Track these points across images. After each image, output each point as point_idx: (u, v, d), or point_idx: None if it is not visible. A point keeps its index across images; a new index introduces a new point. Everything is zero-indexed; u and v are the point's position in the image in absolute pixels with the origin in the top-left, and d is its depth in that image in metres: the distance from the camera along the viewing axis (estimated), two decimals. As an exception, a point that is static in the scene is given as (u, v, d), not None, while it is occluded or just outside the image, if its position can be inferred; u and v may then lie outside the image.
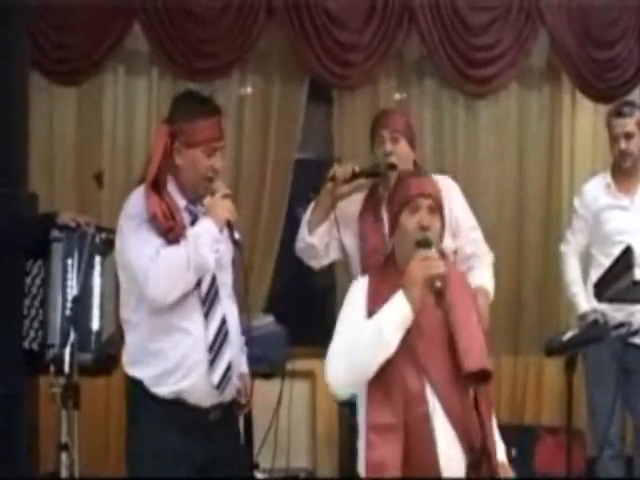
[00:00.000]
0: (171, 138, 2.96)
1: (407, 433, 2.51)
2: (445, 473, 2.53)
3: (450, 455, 2.53)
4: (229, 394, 3.02)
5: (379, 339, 2.50)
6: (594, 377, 4.31)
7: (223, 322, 2.97)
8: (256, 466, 4.42)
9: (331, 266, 4.80)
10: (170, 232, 2.88)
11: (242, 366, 3.12)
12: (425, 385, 2.55)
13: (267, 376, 4.18)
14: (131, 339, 3.00)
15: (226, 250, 3.04)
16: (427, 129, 5.32)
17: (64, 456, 3.57)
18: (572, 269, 4.45)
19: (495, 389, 5.20)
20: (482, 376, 2.57)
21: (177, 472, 2.90)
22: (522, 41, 5.32)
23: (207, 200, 3.00)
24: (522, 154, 5.50)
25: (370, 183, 3.71)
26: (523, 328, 5.44)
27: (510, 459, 2.77)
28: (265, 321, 4.59)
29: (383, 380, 2.53)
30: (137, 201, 2.93)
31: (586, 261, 4.49)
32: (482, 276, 3.63)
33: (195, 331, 2.93)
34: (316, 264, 3.78)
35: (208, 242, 2.89)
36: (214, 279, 2.98)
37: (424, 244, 2.59)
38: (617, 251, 3.93)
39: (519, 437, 4.96)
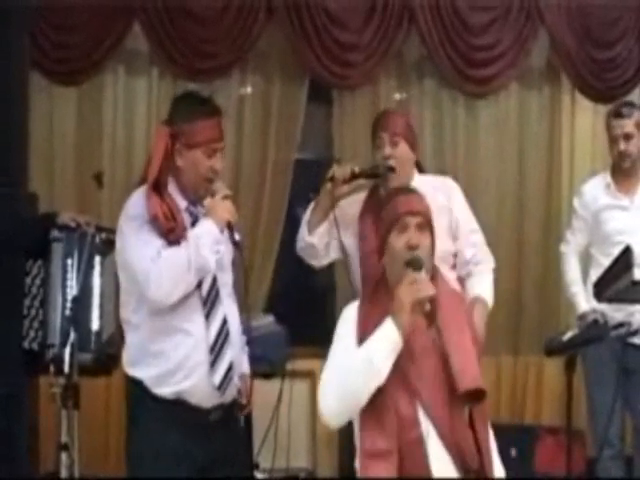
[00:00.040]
0: (171, 139, 2.96)
1: (401, 457, 2.50)
2: None
3: (445, 477, 2.51)
4: (230, 395, 3.02)
5: (369, 368, 2.49)
6: (594, 377, 4.30)
7: (224, 323, 2.97)
8: (256, 466, 4.42)
9: (331, 266, 4.80)
10: (171, 233, 2.88)
11: (243, 366, 3.11)
12: (417, 409, 2.53)
13: (267, 376, 4.18)
14: (131, 339, 3.00)
15: (226, 251, 3.05)
16: (427, 129, 5.32)
17: (64, 456, 3.56)
18: (572, 269, 4.45)
19: (495, 389, 5.21)
20: (476, 395, 2.55)
21: (177, 472, 2.90)
22: (522, 41, 5.32)
23: (207, 201, 3.00)
24: (522, 154, 5.50)
25: (370, 183, 3.70)
26: (523, 328, 5.44)
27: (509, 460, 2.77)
28: (265, 321, 4.59)
29: (375, 406, 2.52)
30: (138, 202, 2.93)
31: (586, 261, 4.49)
32: (481, 284, 3.62)
33: (196, 332, 2.93)
34: (316, 263, 3.78)
35: (209, 243, 2.89)
36: (215, 280, 2.98)
37: (414, 264, 2.56)
38: (617, 251, 3.92)
39: (519, 437, 4.96)
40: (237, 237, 2.99)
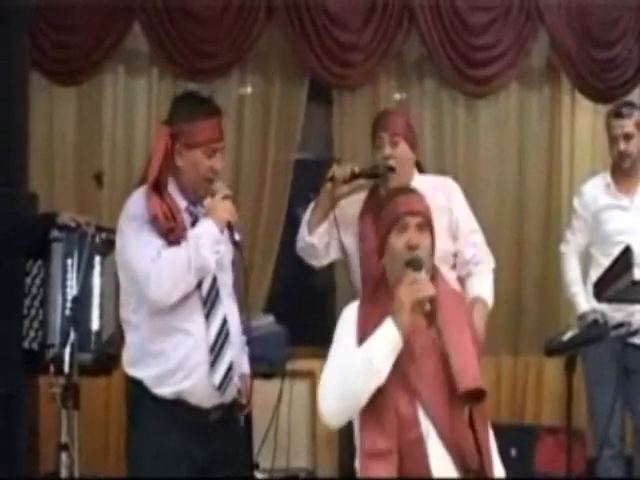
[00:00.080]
0: (172, 139, 2.96)
1: (401, 457, 2.50)
2: None
3: (445, 477, 2.51)
4: (230, 395, 3.02)
5: (369, 368, 2.49)
6: (594, 377, 4.30)
7: (224, 323, 2.97)
8: (256, 466, 4.42)
9: (331, 266, 4.80)
10: (171, 233, 2.88)
11: (243, 366, 3.11)
12: (417, 409, 2.53)
13: (267, 376, 4.18)
14: (131, 339, 3.00)
15: (226, 251, 3.05)
16: (427, 129, 5.32)
17: (64, 456, 3.56)
18: (572, 269, 4.45)
19: (495, 389, 5.21)
20: (476, 395, 2.55)
21: (177, 472, 2.90)
22: (522, 41, 5.32)
23: (207, 201, 3.00)
24: (522, 154, 5.50)
25: (370, 184, 3.70)
26: (523, 328, 5.44)
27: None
28: (265, 321, 4.59)
29: (375, 406, 2.52)
30: (138, 202, 2.93)
31: (586, 261, 4.49)
32: (481, 284, 3.62)
33: (196, 332, 2.93)
34: (316, 263, 3.77)
35: (209, 243, 2.89)
36: (215, 280, 2.98)
37: (414, 264, 2.56)
38: (617, 251, 3.92)
39: (519, 437, 4.96)
40: (237, 237, 2.99)
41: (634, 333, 4.12)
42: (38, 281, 3.72)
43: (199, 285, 2.94)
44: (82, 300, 3.64)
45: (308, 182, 5.00)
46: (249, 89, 5.23)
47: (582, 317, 4.25)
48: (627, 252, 3.78)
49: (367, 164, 3.70)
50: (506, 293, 5.11)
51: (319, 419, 2.62)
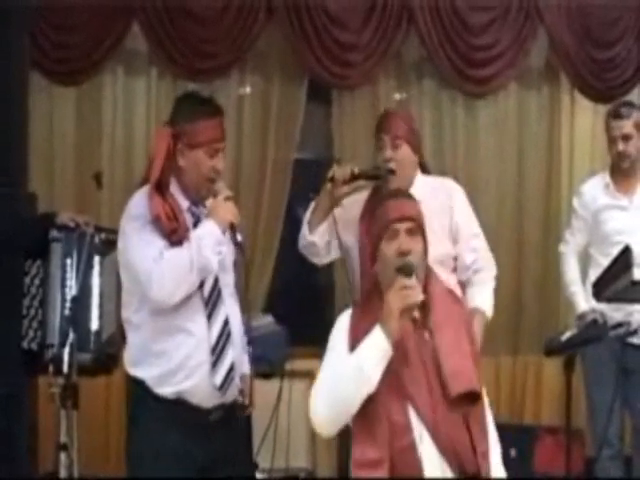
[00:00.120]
0: (173, 139, 2.96)
1: (393, 464, 2.49)
2: None
3: (440, 477, 2.49)
4: (231, 395, 3.02)
5: (360, 376, 2.48)
6: (593, 377, 4.30)
7: (226, 323, 2.97)
8: (255, 466, 4.42)
9: (331, 266, 4.81)
10: (173, 234, 2.88)
11: (244, 367, 3.11)
12: (410, 414, 2.51)
13: (267, 376, 4.18)
14: (133, 339, 3.00)
15: (228, 252, 3.05)
16: (427, 129, 5.32)
17: (63, 456, 3.56)
18: (571, 269, 4.45)
19: (494, 389, 5.21)
20: (471, 399, 2.54)
21: (177, 472, 2.90)
22: (521, 41, 5.32)
23: (210, 202, 3.01)
24: (521, 154, 5.50)
25: (372, 184, 3.69)
26: (523, 328, 5.45)
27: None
28: (265, 321, 4.59)
29: (367, 415, 2.51)
30: (140, 202, 2.93)
31: (585, 261, 4.49)
32: (481, 295, 3.61)
33: (198, 332, 2.93)
34: (318, 261, 3.77)
35: (211, 244, 2.89)
36: (217, 281, 2.99)
37: (405, 270, 2.55)
38: (616, 251, 3.92)
39: (518, 437, 4.96)
40: (239, 238, 2.99)
41: (633, 333, 4.12)
42: (37, 281, 3.72)
43: (201, 285, 2.94)
44: (81, 300, 3.64)
45: (308, 182, 5.01)
46: (248, 89, 5.24)
47: (581, 317, 4.24)
48: (626, 252, 3.78)
49: (367, 164, 3.70)
50: (505, 293, 5.11)
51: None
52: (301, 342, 4.80)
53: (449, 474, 2.51)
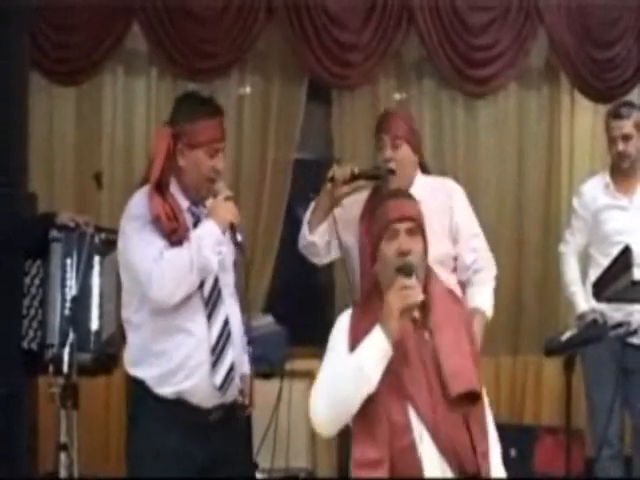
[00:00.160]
0: (173, 139, 2.96)
1: (393, 464, 2.48)
2: None
3: (440, 477, 2.48)
4: (231, 395, 3.02)
5: (360, 376, 2.48)
6: (593, 377, 4.30)
7: (226, 323, 2.97)
8: (255, 466, 4.42)
9: (330, 266, 4.80)
10: (173, 234, 2.88)
11: (244, 367, 3.11)
12: (410, 414, 2.51)
13: (266, 376, 4.18)
14: (133, 339, 3.01)
15: (228, 252, 3.05)
16: (426, 129, 5.32)
17: (63, 456, 3.56)
18: (571, 269, 4.45)
19: (494, 389, 5.21)
20: (470, 399, 2.54)
21: (177, 472, 2.90)
22: (521, 41, 5.32)
23: (210, 202, 3.01)
24: (521, 154, 5.50)
25: (372, 184, 3.69)
26: (523, 328, 5.45)
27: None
28: (265, 321, 4.59)
29: (367, 415, 2.50)
30: (140, 202, 2.93)
31: (585, 261, 4.49)
32: (481, 295, 3.61)
33: (198, 332, 2.93)
34: (318, 261, 3.77)
35: (211, 244, 2.89)
36: (216, 281, 2.99)
37: (405, 270, 2.54)
38: (616, 251, 3.93)
39: (518, 437, 4.96)
40: (239, 238, 2.99)
41: (633, 333, 4.12)
42: (37, 281, 3.72)
43: (201, 286, 2.94)
44: (81, 300, 3.64)
45: (308, 182, 5.01)
46: (248, 89, 5.24)
47: (581, 317, 4.25)
48: (626, 252, 3.78)
49: (367, 164, 3.70)
50: (505, 293, 5.11)
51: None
52: (301, 342, 4.80)
53: (449, 474, 2.50)
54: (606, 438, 4.15)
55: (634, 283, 3.73)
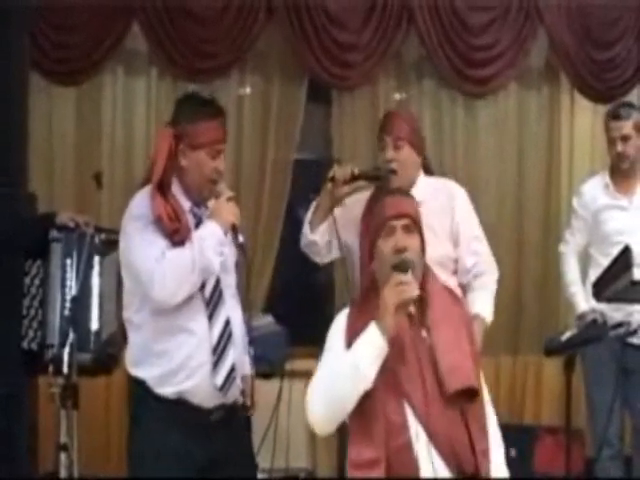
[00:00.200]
0: (175, 140, 2.97)
1: (389, 464, 2.47)
2: None
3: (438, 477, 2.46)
4: (232, 395, 3.02)
5: (356, 373, 2.47)
6: (593, 377, 4.30)
7: (227, 324, 2.98)
8: (255, 466, 4.42)
9: (330, 266, 4.80)
10: (175, 234, 2.89)
11: (245, 368, 3.11)
12: (406, 413, 2.50)
13: (266, 376, 4.17)
14: (134, 339, 3.01)
15: (230, 253, 3.05)
16: (426, 129, 5.29)
17: (63, 456, 3.56)
18: (571, 269, 4.45)
19: (494, 389, 5.21)
20: (468, 396, 2.53)
21: (178, 472, 2.91)
22: (521, 41, 5.32)
23: (212, 203, 3.01)
24: (521, 154, 5.50)
25: (373, 184, 3.69)
26: (523, 328, 5.45)
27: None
28: (265, 321, 4.59)
29: (364, 414, 2.49)
30: (142, 202, 2.93)
31: (585, 261, 4.49)
32: (481, 300, 3.59)
33: (199, 332, 2.94)
34: (319, 260, 3.77)
35: (213, 245, 2.89)
36: (218, 281, 2.99)
37: (401, 267, 2.53)
38: (616, 251, 3.93)
39: (518, 437, 4.95)
40: (241, 239, 3.00)
41: (633, 333, 4.12)
42: (37, 281, 3.72)
43: (202, 286, 2.94)
44: (81, 300, 3.64)
45: (308, 182, 5.01)
46: (248, 89, 5.24)
47: (581, 317, 4.25)
48: (626, 252, 3.78)
49: (367, 165, 3.70)
50: (506, 293, 5.09)
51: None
52: (301, 342, 4.79)
53: (446, 473, 2.49)
54: (606, 438, 4.15)
55: (634, 283, 3.73)
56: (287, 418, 4.53)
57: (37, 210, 4.08)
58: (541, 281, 5.45)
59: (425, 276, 2.65)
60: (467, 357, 2.57)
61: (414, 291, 2.50)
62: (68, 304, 3.63)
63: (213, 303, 2.96)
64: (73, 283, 3.64)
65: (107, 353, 3.73)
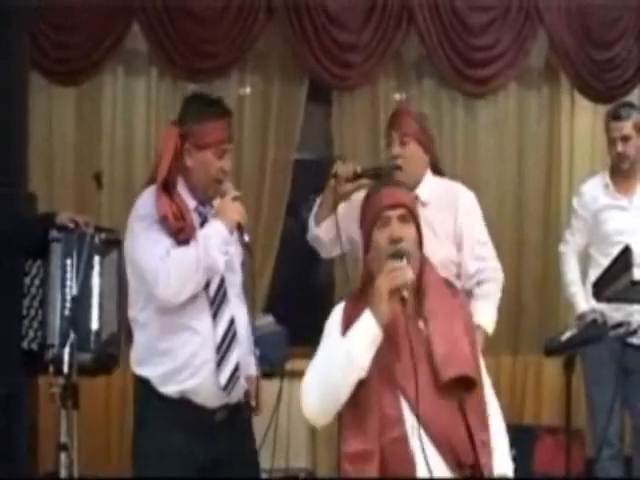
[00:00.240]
0: (181, 139, 2.98)
1: (384, 457, 2.45)
2: None
3: (434, 475, 2.43)
4: (236, 395, 3.03)
5: (349, 361, 2.45)
6: (593, 377, 4.31)
7: (231, 323, 2.99)
8: (256, 467, 4.42)
9: (330, 266, 4.81)
10: (180, 233, 2.90)
11: (250, 368, 3.12)
12: (402, 406, 2.48)
13: (267, 376, 4.17)
14: (139, 338, 3.02)
15: (236, 252, 3.06)
16: (426, 129, 5.32)
17: (63, 456, 3.55)
18: (571, 269, 4.45)
19: (494, 389, 5.19)
20: (465, 386, 2.51)
21: (181, 472, 2.92)
22: (521, 41, 5.32)
23: (217, 202, 3.01)
24: (521, 154, 5.51)
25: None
26: (523, 328, 5.45)
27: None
28: (265, 321, 4.59)
29: (358, 406, 2.48)
30: (147, 201, 2.94)
31: (585, 261, 4.49)
32: (484, 311, 3.57)
33: (204, 330, 2.95)
34: (325, 255, 3.79)
35: (217, 244, 2.90)
36: (222, 280, 3.00)
37: (396, 257, 2.51)
38: (616, 251, 3.93)
39: (518, 437, 4.91)
40: (246, 238, 3.00)
41: (633, 333, 4.12)
42: (37, 281, 3.72)
43: (207, 285, 2.95)
44: (81, 300, 3.64)
45: (308, 182, 5.01)
46: (248, 89, 5.24)
47: (581, 317, 4.25)
48: (626, 252, 3.79)
49: (367, 164, 3.70)
50: (506, 293, 5.06)
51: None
52: (301, 342, 4.78)
53: (444, 466, 2.47)
54: (606, 438, 4.16)
55: (634, 283, 3.73)
56: (287, 418, 4.53)
57: (37, 210, 4.08)
58: (541, 281, 5.45)
59: (422, 266, 2.63)
60: (463, 347, 2.55)
61: (407, 275, 2.47)
62: (68, 304, 3.63)
63: (217, 302, 2.97)
64: (73, 283, 3.64)
65: (107, 353, 3.72)
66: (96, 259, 3.72)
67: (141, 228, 2.92)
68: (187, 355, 2.92)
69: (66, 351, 3.51)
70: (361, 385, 2.47)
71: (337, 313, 2.66)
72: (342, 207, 3.58)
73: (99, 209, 4.74)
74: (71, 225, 3.72)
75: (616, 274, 3.78)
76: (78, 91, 4.99)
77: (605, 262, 4.06)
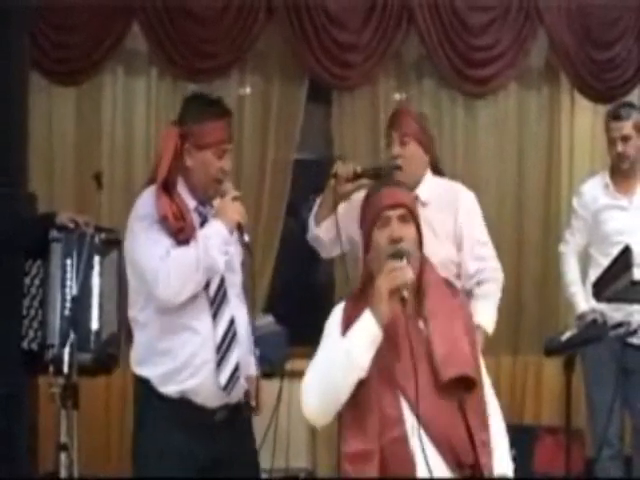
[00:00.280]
0: (181, 139, 2.98)
1: (384, 457, 2.45)
2: None
3: (434, 475, 2.43)
4: (236, 395, 3.03)
5: (349, 361, 2.45)
6: (593, 377, 4.31)
7: (231, 323, 2.99)
8: (256, 467, 4.42)
9: (330, 266, 4.81)
10: (180, 233, 2.90)
11: (250, 368, 3.12)
12: (402, 406, 2.48)
13: (267, 376, 4.17)
14: (139, 338, 3.02)
15: (236, 252, 3.06)
16: (426, 129, 5.32)
17: (63, 456, 3.55)
18: (571, 269, 4.45)
19: (494, 389, 5.19)
20: (465, 386, 2.51)
21: (181, 472, 2.92)
22: (521, 41, 5.32)
23: (217, 202, 3.01)
24: (521, 154, 5.51)
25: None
26: (523, 328, 5.45)
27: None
28: (265, 321, 4.59)
29: (358, 406, 2.48)
30: (147, 201, 2.94)
31: (585, 261, 4.50)
32: (484, 311, 3.57)
33: (204, 330, 2.95)
34: (325, 254, 3.79)
35: (217, 244, 2.90)
36: (222, 280, 3.00)
37: (396, 257, 2.51)
38: (616, 251, 3.93)
39: (518, 437, 4.91)
40: (247, 239, 3.00)
41: (633, 333, 4.12)
42: (37, 281, 3.72)
43: (207, 285, 2.95)
44: (81, 300, 3.64)
45: (308, 182, 5.01)
46: (248, 89, 5.24)
47: (581, 317, 4.25)
48: (626, 252, 3.79)
49: (367, 164, 3.70)
50: (506, 293, 5.06)
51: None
52: (301, 342, 4.78)
53: (444, 466, 2.47)
54: (606, 438, 4.16)
55: (634, 283, 3.73)
56: (287, 418, 4.53)
57: (37, 210, 4.08)
58: (541, 281, 5.45)
59: (422, 266, 2.63)
60: (463, 347, 2.55)
61: (407, 275, 2.47)
62: (68, 304, 3.63)
63: (217, 302, 2.97)
64: (73, 283, 3.64)
65: (107, 353, 3.72)
66: (96, 259, 3.72)
67: (141, 228, 2.92)
68: (187, 355, 2.92)
69: (66, 351, 3.51)
70: (361, 385, 2.47)
71: (337, 313, 2.66)
72: (342, 207, 3.58)
73: (99, 209, 4.74)
74: (71, 225, 3.72)
75: (616, 274, 3.78)
76: (78, 91, 4.99)
77: (605, 262, 4.06)
